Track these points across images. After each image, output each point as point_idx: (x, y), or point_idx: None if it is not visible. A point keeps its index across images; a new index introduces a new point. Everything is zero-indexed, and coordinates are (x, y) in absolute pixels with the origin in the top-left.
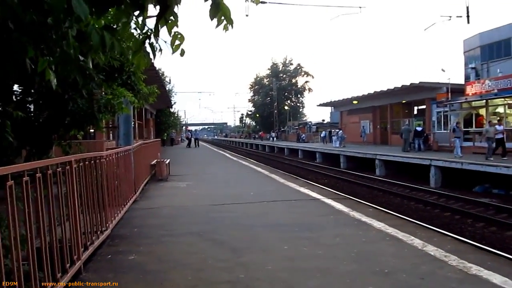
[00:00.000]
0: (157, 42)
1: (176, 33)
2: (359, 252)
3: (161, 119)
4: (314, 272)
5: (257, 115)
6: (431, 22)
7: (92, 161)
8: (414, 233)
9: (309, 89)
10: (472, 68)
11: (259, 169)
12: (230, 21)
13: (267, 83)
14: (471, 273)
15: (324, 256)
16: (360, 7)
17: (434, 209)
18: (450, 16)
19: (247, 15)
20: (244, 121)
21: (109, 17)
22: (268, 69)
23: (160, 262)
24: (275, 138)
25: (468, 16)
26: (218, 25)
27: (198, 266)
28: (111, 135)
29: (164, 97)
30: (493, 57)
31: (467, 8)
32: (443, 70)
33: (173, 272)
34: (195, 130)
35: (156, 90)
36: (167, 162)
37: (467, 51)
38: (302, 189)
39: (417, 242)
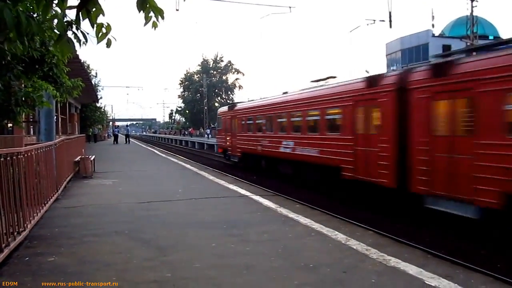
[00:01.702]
0: (78, 30)
1: (102, 23)
2: (285, 247)
3: (86, 114)
4: (241, 269)
5: (187, 112)
6: (357, 25)
7: (9, 158)
8: (338, 228)
9: (240, 86)
10: (393, 70)
11: (188, 166)
12: (158, 12)
13: (197, 79)
14: (390, 265)
15: (252, 253)
16: (290, 7)
17: None
18: (374, 20)
19: (177, 10)
20: (173, 117)
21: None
22: (199, 65)
23: (82, 263)
24: (209, 135)
25: (390, 21)
26: (146, 22)
27: (123, 266)
28: (31, 130)
29: (90, 91)
30: (413, 60)
31: (390, 13)
32: (367, 72)
33: (96, 274)
34: (126, 126)
35: (81, 84)
36: (92, 158)
37: (389, 54)
38: (231, 186)
39: (340, 237)
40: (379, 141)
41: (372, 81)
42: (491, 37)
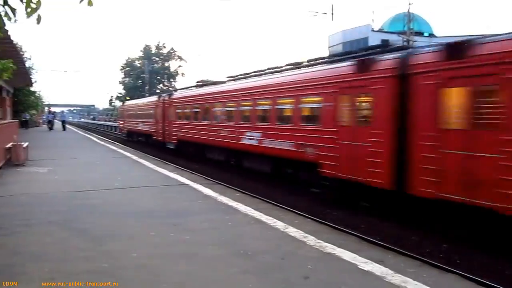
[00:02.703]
0: (5, 5)
1: None
2: (224, 235)
3: (19, 98)
4: (180, 257)
5: (127, 98)
6: (301, 15)
7: None
8: (278, 216)
9: (182, 74)
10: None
11: (128, 154)
12: None
13: (139, 65)
14: (326, 251)
15: (191, 241)
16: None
17: None
18: (317, 12)
19: None
20: (113, 103)
21: None
22: (141, 51)
23: (13, 254)
24: None
25: (332, 14)
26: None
27: (57, 257)
28: None
29: (23, 74)
30: None
31: (332, 6)
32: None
33: (28, 265)
34: (62, 112)
35: (12, 66)
36: (25, 145)
37: (331, 46)
38: (172, 175)
39: (279, 225)
40: (371, 135)
41: (363, 65)
42: (426, 34)
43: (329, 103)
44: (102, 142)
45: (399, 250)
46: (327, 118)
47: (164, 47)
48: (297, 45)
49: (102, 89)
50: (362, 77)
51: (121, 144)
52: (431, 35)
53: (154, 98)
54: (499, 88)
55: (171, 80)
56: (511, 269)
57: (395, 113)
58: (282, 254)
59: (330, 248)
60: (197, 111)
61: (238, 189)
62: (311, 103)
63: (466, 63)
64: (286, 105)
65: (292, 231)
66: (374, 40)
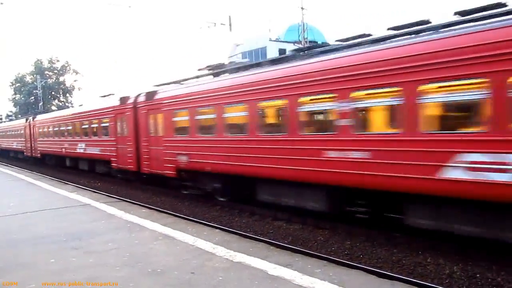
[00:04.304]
0: None
1: None
2: (131, 255)
3: None
4: (83, 283)
5: (19, 116)
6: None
7: None
8: (186, 229)
9: (79, 88)
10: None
11: (22, 176)
12: None
13: (30, 80)
14: (236, 260)
15: (95, 264)
16: (130, 6)
17: None
18: (215, 23)
19: (1, 3)
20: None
21: None
22: (32, 65)
23: None
24: None
25: (230, 25)
26: None
27: None
28: None
29: None
30: (253, 61)
31: (229, 17)
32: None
33: None
34: None
35: None
36: None
37: (231, 56)
38: (72, 195)
39: (188, 238)
40: (128, 140)
41: (123, 100)
42: (319, 42)
43: (112, 123)
44: None
45: (306, 252)
46: (112, 132)
47: (58, 60)
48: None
49: None
50: (122, 107)
51: (13, 166)
52: (324, 43)
53: (22, 120)
54: (162, 115)
55: (67, 95)
56: (407, 259)
57: (135, 127)
58: (192, 268)
59: (240, 256)
60: (52, 130)
61: (144, 205)
62: (105, 122)
63: (153, 102)
64: (94, 125)
65: (201, 243)
66: (272, 48)
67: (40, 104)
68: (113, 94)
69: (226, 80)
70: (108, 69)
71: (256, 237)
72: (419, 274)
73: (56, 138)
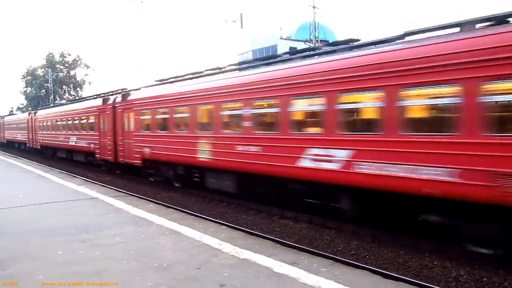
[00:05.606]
0: None
1: None
2: (138, 249)
3: None
4: (90, 275)
5: (30, 109)
6: (210, 23)
7: None
8: (192, 225)
9: (90, 82)
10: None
11: (31, 168)
12: None
13: (42, 74)
14: (242, 257)
15: (102, 257)
16: (142, 1)
17: None
18: (227, 20)
19: None
20: (11, 115)
21: None
22: (44, 58)
23: None
24: None
25: (241, 22)
26: None
27: None
28: None
29: None
30: None
31: (241, 14)
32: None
33: None
34: None
35: None
36: None
37: (241, 54)
38: (81, 188)
39: (194, 234)
40: (107, 136)
41: (105, 100)
42: (330, 41)
43: (96, 120)
44: (1, 157)
45: (312, 251)
46: (96, 128)
47: (69, 54)
48: (211, 51)
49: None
50: (104, 106)
51: (23, 158)
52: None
53: (25, 114)
54: (133, 114)
55: (78, 89)
56: (413, 261)
57: (113, 124)
58: (198, 264)
59: (246, 253)
60: (50, 125)
61: (152, 200)
62: (91, 119)
63: (127, 103)
64: (83, 121)
65: (208, 239)
66: (283, 47)
67: (51, 97)
68: (112, 92)
69: (174, 87)
70: (119, 64)
71: (263, 234)
72: (425, 277)
73: (53, 132)
